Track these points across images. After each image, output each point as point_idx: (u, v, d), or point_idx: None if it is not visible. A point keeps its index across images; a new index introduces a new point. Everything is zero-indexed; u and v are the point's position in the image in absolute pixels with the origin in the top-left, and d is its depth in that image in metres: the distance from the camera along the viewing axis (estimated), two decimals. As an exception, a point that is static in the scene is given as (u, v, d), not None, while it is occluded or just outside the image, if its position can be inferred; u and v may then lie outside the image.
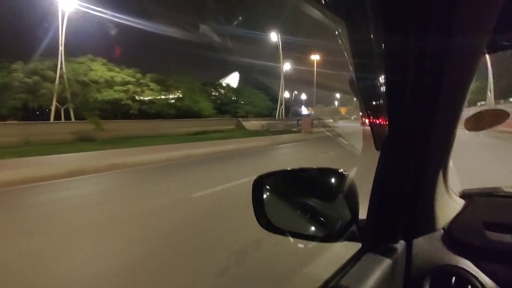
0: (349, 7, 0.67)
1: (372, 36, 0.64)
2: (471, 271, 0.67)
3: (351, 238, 0.73)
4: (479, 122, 0.87)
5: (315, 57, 39.94)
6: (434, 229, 0.76)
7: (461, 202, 0.86)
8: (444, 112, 0.64)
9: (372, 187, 0.73)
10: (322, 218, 0.78)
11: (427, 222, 0.76)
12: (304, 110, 77.60)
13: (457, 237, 0.74)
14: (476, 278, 0.66)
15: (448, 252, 0.72)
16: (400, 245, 0.72)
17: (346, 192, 0.70)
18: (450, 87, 0.61)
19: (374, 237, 0.72)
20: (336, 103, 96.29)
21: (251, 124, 31.08)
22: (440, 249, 0.73)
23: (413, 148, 0.69)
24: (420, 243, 0.74)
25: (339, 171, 0.73)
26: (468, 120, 0.86)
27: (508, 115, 0.85)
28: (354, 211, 0.70)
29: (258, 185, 0.83)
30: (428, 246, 0.73)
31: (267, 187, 0.84)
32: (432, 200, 0.75)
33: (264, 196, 0.83)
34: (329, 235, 0.74)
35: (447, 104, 0.63)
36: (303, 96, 77.10)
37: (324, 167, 0.78)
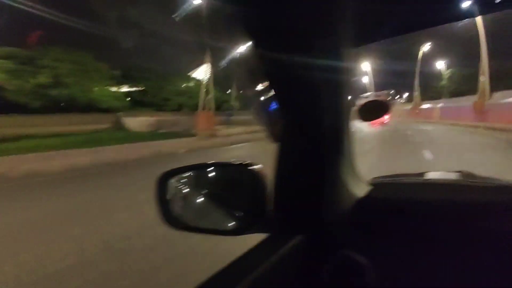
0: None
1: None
2: (370, 256, 0.70)
3: (260, 230, 0.73)
4: (367, 113, 0.94)
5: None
6: (338, 216, 0.78)
7: (366, 189, 0.89)
8: (328, 101, 0.69)
9: (273, 179, 0.74)
10: (231, 212, 0.78)
11: (332, 209, 0.78)
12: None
13: (359, 222, 0.78)
14: (372, 260, 0.69)
15: (349, 238, 0.75)
16: (304, 233, 0.73)
17: (253, 184, 0.71)
18: (331, 80, 0.66)
19: (280, 227, 0.74)
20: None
21: (141, 121, 23.13)
22: (342, 235, 0.76)
23: (309, 138, 0.73)
24: (324, 231, 0.76)
25: (247, 164, 0.73)
26: (360, 111, 0.93)
27: (389, 105, 0.95)
28: (262, 203, 0.70)
29: (163, 182, 0.80)
30: (330, 233, 0.76)
31: (173, 184, 0.81)
32: (335, 188, 0.77)
33: (170, 193, 0.80)
34: (237, 228, 0.74)
35: (329, 94, 0.68)
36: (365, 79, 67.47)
37: (231, 162, 0.80)
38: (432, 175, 1.27)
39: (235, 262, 0.62)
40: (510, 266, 0.65)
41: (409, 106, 40.87)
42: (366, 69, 41.84)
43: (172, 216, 0.78)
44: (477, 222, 0.73)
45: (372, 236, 0.76)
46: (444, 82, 35.85)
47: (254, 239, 0.70)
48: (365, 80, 44.42)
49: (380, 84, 46.72)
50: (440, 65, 36.62)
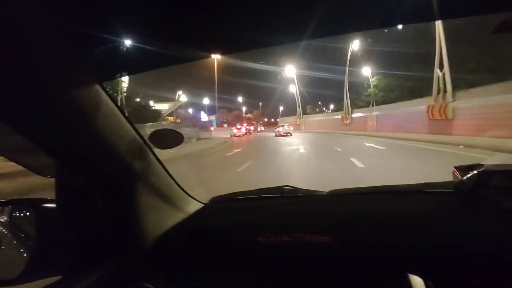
0: None
1: None
2: (167, 284, 0.70)
3: (50, 273, 0.68)
4: (162, 141, 0.91)
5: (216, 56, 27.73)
6: (142, 245, 0.75)
7: (192, 211, 0.92)
8: (104, 126, 0.67)
9: (62, 215, 0.69)
10: (14, 258, 0.70)
11: (135, 239, 0.74)
12: (204, 117, 64.83)
13: (160, 249, 0.76)
14: None
15: (148, 267, 0.73)
16: (98, 270, 0.69)
17: (42, 224, 0.66)
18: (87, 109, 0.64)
19: (72, 268, 0.68)
20: (244, 108, 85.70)
21: None
22: (142, 265, 0.73)
23: (92, 167, 0.68)
24: (124, 263, 0.72)
25: (26, 201, 0.68)
26: (151, 138, 0.89)
27: (183, 137, 0.95)
28: (52, 243, 0.65)
29: None
30: (131, 264, 0.73)
31: None
32: (137, 215, 0.74)
33: None
34: (26, 275, 0.66)
35: (100, 118, 0.66)
36: (206, 101, 63.76)
37: (12, 199, 0.73)
38: (265, 191, 1.16)
39: None
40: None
41: (337, 116, 36.95)
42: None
43: None
44: (272, 241, 0.76)
45: (172, 264, 0.75)
46: (371, 90, 32.03)
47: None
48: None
49: (311, 96, 46.52)
50: (367, 71, 32.92)
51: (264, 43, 0.75)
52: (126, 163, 0.73)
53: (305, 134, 29.78)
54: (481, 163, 0.90)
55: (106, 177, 0.71)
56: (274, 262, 0.75)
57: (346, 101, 34.06)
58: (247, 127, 39.87)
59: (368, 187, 1.10)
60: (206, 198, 1.10)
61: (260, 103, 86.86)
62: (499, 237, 0.72)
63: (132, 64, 0.78)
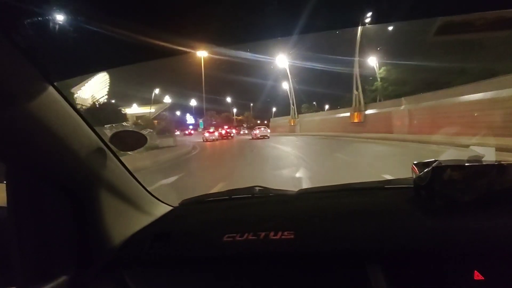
0: None
1: None
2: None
3: (1, 284, 0.65)
4: (123, 143, 0.89)
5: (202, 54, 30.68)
6: (105, 251, 0.74)
7: (159, 214, 0.93)
8: (51, 130, 0.65)
9: (14, 225, 0.66)
10: None
11: (94, 246, 0.73)
12: (190, 119, 59.57)
13: (124, 254, 0.76)
14: None
15: (114, 273, 0.71)
16: (58, 277, 0.67)
17: None
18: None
19: (26, 279, 0.65)
20: (235, 110, 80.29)
21: None
22: (106, 271, 0.72)
23: (47, 172, 0.67)
24: (87, 270, 0.70)
25: None
26: (112, 139, 0.87)
27: (146, 139, 0.95)
28: (5, 251, 0.62)
29: None
30: (95, 272, 0.71)
31: None
32: (98, 221, 0.73)
33: None
34: None
35: (45, 123, 0.64)
36: (193, 102, 58.16)
37: None
38: (236, 192, 1.20)
39: None
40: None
41: (343, 114, 29.69)
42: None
43: None
44: (237, 239, 0.78)
45: (138, 268, 0.74)
46: (378, 83, 26.44)
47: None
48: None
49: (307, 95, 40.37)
50: (373, 61, 27.27)
51: (254, 36, 0.73)
52: (85, 166, 0.72)
53: (301, 139, 23.59)
54: (437, 159, 0.94)
55: (63, 181, 0.69)
56: (239, 261, 0.75)
57: (357, 93, 25.77)
58: (228, 130, 34.69)
59: (334, 185, 1.17)
60: (176, 201, 1.10)
61: (251, 104, 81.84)
62: (449, 226, 0.78)
63: (88, 61, 0.74)
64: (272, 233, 0.80)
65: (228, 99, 72.18)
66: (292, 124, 37.81)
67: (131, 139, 0.90)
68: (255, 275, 0.75)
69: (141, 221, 0.86)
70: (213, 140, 28.00)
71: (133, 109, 76.41)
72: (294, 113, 38.50)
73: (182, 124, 56.39)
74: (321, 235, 0.81)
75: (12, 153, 0.63)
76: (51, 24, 0.59)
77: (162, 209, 0.97)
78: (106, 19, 0.59)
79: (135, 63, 0.77)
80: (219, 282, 0.75)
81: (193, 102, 59.15)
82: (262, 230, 0.81)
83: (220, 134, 31.47)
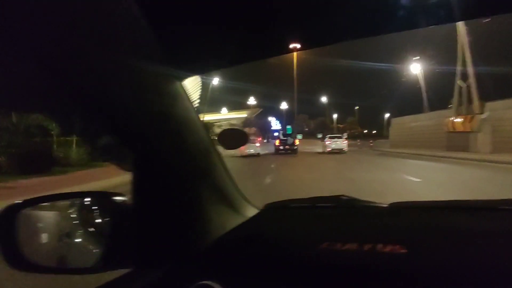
0: None
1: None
2: (230, 284, 0.70)
3: (121, 265, 0.70)
4: (228, 141, 0.94)
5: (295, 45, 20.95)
6: (202, 246, 0.77)
7: (249, 216, 0.92)
8: (179, 127, 0.72)
9: (134, 210, 0.71)
10: (91, 247, 0.72)
11: (197, 239, 0.77)
12: (276, 125, 56.11)
13: (219, 252, 0.78)
14: None
15: (208, 268, 0.74)
16: (165, 266, 0.72)
17: (115, 216, 0.68)
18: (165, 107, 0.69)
19: (141, 261, 0.71)
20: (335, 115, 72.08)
21: None
22: (202, 266, 0.75)
23: (165, 165, 0.71)
24: (186, 262, 0.75)
25: (109, 194, 0.70)
26: (219, 139, 0.92)
27: (247, 136, 1.02)
28: (124, 236, 0.68)
29: (7, 217, 0.70)
30: (192, 265, 0.75)
31: (20, 219, 0.70)
32: (201, 217, 0.78)
33: (16, 229, 0.69)
34: (99, 265, 0.68)
35: (176, 119, 0.72)
36: (283, 105, 55.23)
37: (92, 191, 0.76)
38: (320, 200, 1.15)
39: None
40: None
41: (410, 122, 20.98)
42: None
43: (19, 255, 0.68)
44: (335, 249, 0.74)
45: (230, 267, 0.75)
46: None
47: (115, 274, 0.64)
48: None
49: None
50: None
51: (352, 34, 0.74)
52: (196, 162, 0.77)
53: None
54: None
55: (177, 175, 0.74)
56: (339, 270, 0.71)
57: (462, 84, 18.31)
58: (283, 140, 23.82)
59: (433, 201, 1.08)
60: (259, 204, 1.08)
61: (356, 107, 71.37)
62: None
63: (212, 59, 0.80)
64: (380, 246, 0.74)
65: (324, 99, 65.35)
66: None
67: (235, 138, 0.95)
68: (357, 285, 0.68)
69: (234, 221, 0.87)
70: (255, 154, 19.81)
71: (223, 114, 77.14)
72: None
73: (267, 131, 52.37)
74: (439, 254, 0.73)
75: (141, 145, 0.68)
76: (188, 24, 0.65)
77: (249, 211, 0.97)
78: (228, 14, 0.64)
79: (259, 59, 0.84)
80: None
81: (283, 105, 55.20)
82: (366, 241, 0.76)
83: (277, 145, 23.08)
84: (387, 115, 56.17)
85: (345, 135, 25.73)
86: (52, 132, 14.35)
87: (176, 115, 0.72)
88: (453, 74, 19.98)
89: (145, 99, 0.65)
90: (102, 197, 0.73)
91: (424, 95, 27.64)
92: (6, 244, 0.68)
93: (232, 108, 60.64)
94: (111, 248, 0.69)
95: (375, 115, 64.25)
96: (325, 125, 64.46)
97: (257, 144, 20.65)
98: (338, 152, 21.01)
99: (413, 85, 29.33)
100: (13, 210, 0.71)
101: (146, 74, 0.64)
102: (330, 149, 21.48)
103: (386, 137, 35.47)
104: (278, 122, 48.95)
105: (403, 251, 0.71)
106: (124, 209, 0.69)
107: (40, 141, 14.47)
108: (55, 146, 14.39)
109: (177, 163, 0.73)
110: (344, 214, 1.02)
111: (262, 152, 21.38)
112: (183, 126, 0.73)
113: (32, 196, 0.75)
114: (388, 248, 0.72)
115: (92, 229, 0.74)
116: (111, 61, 0.57)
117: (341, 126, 67.52)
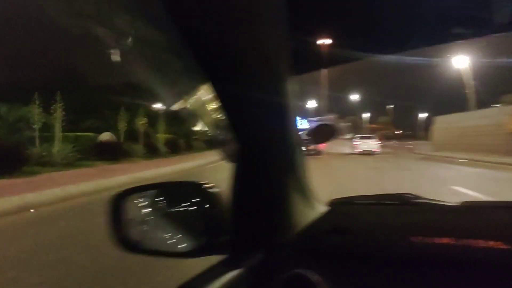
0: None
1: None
2: (318, 275, 0.71)
3: (215, 252, 0.74)
4: (318, 136, 1.02)
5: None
6: (292, 237, 0.80)
7: (320, 210, 0.94)
8: (279, 124, 0.74)
9: (230, 200, 0.76)
10: (188, 234, 0.76)
11: (285, 230, 0.80)
12: (301, 123, 53.38)
13: (307, 242, 0.81)
14: (316, 279, 0.71)
15: (297, 258, 0.76)
16: (259, 254, 0.76)
17: (210, 205, 0.72)
18: (277, 104, 0.71)
19: (235, 249, 0.75)
20: (367, 114, 67.61)
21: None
22: (291, 256, 0.78)
23: (263, 160, 0.76)
24: (277, 251, 0.78)
25: (204, 184, 0.73)
26: (309, 134, 1.03)
27: (336, 130, 1.00)
28: (219, 224, 0.72)
29: (117, 202, 0.78)
30: (282, 254, 0.78)
31: (127, 204, 0.79)
32: (288, 208, 0.81)
33: (124, 214, 0.78)
34: (196, 250, 0.73)
35: (281, 115, 0.73)
36: (311, 103, 52.17)
37: (189, 181, 0.80)
38: (384, 197, 1.17)
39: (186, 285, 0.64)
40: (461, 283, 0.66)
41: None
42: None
43: (126, 238, 0.76)
44: (427, 242, 0.75)
45: (323, 257, 0.77)
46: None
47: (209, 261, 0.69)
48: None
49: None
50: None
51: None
52: (287, 158, 0.80)
53: None
54: None
55: (272, 168, 0.77)
56: (432, 263, 0.70)
57: None
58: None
59: (507, 201, 1.04)
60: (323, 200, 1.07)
61: (391, 106, 66.41)
62: None
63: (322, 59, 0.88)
64: (472, 241, 0.74)
65: (355, 97, 61.15)
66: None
67: (325, 132, 0.99)
68: (450, 279, 0.67)
69: (310, 214, 0.89)
70: None
71: None
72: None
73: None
74: None
75: (249, 138, 0.73)
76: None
77: (319, 206, 0.97)
78: None
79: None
80: (406, 281, 0.70)
81: (310, 104, 51.92)
82: (456, 236, 0.76)
83: None
84: (422, 115, 51.61)
85: (374, 135, 23.13)
86: (34, 126, 12.82)
87: (283, 110, 0.73)
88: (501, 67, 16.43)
89: (266, 91, 0.68)
90: (198, 187, 0.74)
91: (471, 90, 23.78)
92: (115, 228, 0.75)
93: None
94: (205, 235, 0.72)
95: (410, 115, 59.38)
96: (356, 124, 60.39)
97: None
98: (369, 154, 19.25)
99: (454, 81, 25.69)
100: (120, 197, 0.78)
101: (271, 68, 0.66)
102: (360, 150, 19.78)
103: (421, 138, 32.79)
104: (305, 121, 46.05)
105: (504, 247, 0.70)
106: (217, 198, 0.71)
107: (27, 136, 12.93)
108: (37, 142, 12.67)
109: (274, 158, 0.77)
110: (416, 211, 1.00)
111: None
112: (286, 122, 0.75)
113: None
114: (483, 244, 0.71)
115: (185, 217, 0.77)
116: (249, 55, 0.62)
117: (373, 126, 63.61)
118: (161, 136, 23.14)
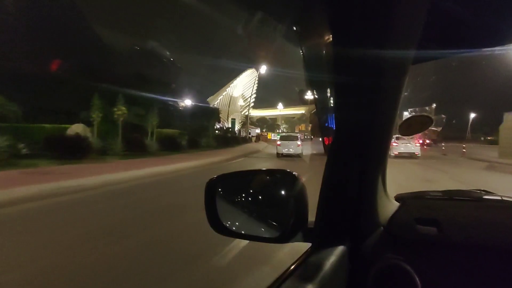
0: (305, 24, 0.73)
1: (323, 52, 0.73)
2: (407, 262, 0.73)
3: (301, 239, 0.76)
4: (409, 128, 0.95)
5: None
6: (375, 228, 0.84)
7: (396, 204, 0.96)
8: (382, 119, 0.75)
9: (320, 190, 0.78)
10: (274, 220, 0.78)
11: (369, 221, 0.83)
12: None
13: (394, 233, 0.83)
14: (411, 267, 0.72)
15: (388, 247, 0.78)
16: (346, 243, 0.78)
17: (296, 194, 0.72)
18: (385, 95, 0.72)
19: (322, 237, 0.77)
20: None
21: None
22: (381, 244, 0.80)
23: (356, 153, 0.78)
24: (363, 241, 0.80)
25: (291, 173, 0.74)
26: (401, 126, 0.95)
27: (432, 121, 0.94)
28: (304, 212, 0.72)
29: (211, 188, 0.82)
30: (370, 243, 0.80)
31: (220, 190, 0.83)
32: (373, 201, 0.84)
33: (217, 199, 0.81)
34: (281, 237, 0.74)
35: (384, 112, 0.74)
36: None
37: (276, 169, 0.80)
38: (452, 192, 1.09)
39: (286, 274, 0.66)
40: None
41: None
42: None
43: (219, 222, 0.79)
44: (502, 237, 0.75)
45: (416, 246, 0.77)
46: None
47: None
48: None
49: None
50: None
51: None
52: (376, 155, 0.81)
53: None
54: None
55: (361, 162, 0.78)
56: None
57: None
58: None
59: None
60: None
61: (433, 105, 59.17)
62: None
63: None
64: None
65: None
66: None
67: (417, 123, 0.95)
68: None
69: (389, 208, 0.90)
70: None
71: (279, 110, 71.98)
72: None
73: (327, 128, 46.21)
74: None
75: (346, 136, 0.75)
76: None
77: (391, 199, 0.98)
78: None
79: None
80: (502, 273, 0.70)
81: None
82: None
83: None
84: (472, 115, 44.72)
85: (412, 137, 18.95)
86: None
87: (389, 106, 0.72)
88: None
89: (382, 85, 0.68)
90: (287, 176, 0.75)
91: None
92: (210, 212, 0.79)
93: (290, 103, 54.75)
94: (292, 222, 0.71)
95: (456, 113, 52.20)
96: (396, 125, 54.44)
97: (298, 143, 18.04)
98: (408, 156, 17.02)
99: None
100: (213, 183, 0.81)
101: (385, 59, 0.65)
102: (397, 153, 17.38)
103: (469, 140, 27.95)
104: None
105: None
106: (303, 188, 0.71)
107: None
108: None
109: (365, 155, 0.78)
110: (496, 207, 0.94)
111: (306, 152, 18.54)
112: (386, 117, 0.74)
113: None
114: None
115: (275, 204, 0.79)
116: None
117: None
118: (165, 132, 20.23)
